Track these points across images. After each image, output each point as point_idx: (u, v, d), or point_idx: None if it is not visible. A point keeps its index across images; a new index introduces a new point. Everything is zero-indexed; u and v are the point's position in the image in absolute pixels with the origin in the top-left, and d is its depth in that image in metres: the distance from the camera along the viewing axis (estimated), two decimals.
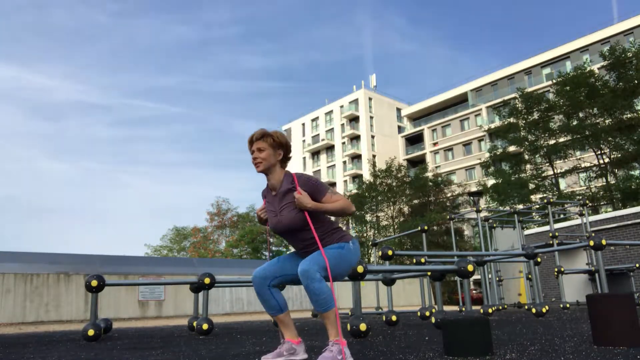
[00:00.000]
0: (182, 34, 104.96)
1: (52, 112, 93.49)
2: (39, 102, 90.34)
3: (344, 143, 66.86)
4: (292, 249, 2.95)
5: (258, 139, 2.82)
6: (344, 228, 38.80)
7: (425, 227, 10.27)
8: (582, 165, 28.16)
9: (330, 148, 69.13)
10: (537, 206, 16.57)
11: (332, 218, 2.98)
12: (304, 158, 71.55)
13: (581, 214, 13.55)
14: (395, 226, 34.75)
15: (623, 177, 25.37)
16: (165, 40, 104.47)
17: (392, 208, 36.60)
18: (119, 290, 16.18)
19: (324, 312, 2.60)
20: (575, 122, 26.74)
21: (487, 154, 32.38)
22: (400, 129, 68.55)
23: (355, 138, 66.47)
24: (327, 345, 2.65)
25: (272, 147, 2.82)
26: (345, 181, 65.34)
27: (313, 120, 72.06)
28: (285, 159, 2.90)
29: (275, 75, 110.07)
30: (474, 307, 16.00)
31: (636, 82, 25.10)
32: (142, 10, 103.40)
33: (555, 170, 28.87)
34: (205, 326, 5.39)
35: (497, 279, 12.97)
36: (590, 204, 23.61)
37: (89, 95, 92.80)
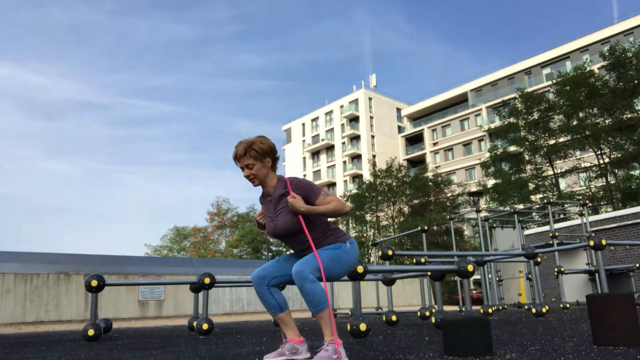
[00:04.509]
0: (180, 32, 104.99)
1: (50, 111, 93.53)
2: (37, 101, 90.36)
3: (344, 143, 66.87)
4: (292, 250, 2.97)
5: (242, 155, 2.77)
6: (344, 228, 38.83)
7: (425, 227, 10.27)
8: (582, 165, 28.17)
9: (330, 148, 69.13)
10: (537, 206, 16.57)
11: (329, 219, 2.98)
12: (304, 158, 71.55)
13: (581, 214, 13.56)
14: (395, 226, 34.74)
15: (623, 177, 25.39)
16: (163, 39, 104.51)
17: (392, 208, 36.59)
18: (119, 290, 16.18)
19: (317, 313, 2.62)
20: (575, 122, 26.75)
21: (487, 154, 32.41)
22: (400, 129, 68.55)
23: (355, 138, 66.48)
24: (322, 345, 2.67)
25: (258, 160, 2.77)
26: (345, 181, 65.34)
27: (313, 120, 72.06)
28: (274, 162, 2.87)
29: (274, 75, 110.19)
30: (474, 307, 16.00)
31: (636, 82, 25.11)
32: (140, 9, 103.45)
33: (555, 170, 28.87)
34: (205, 326, 5.39)
35: (497, 279, 12.97)
36: (590, 204, 23.59)
37: (87, 94, 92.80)
